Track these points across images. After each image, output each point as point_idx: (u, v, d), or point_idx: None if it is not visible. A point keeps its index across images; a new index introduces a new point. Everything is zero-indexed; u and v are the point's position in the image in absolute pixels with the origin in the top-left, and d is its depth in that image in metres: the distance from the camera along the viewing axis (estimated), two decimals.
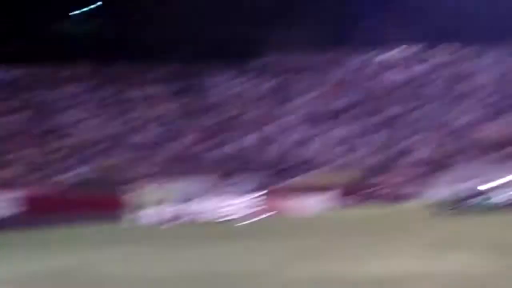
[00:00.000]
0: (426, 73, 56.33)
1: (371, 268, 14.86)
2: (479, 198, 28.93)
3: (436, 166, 45.66)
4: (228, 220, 31.47)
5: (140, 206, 38.54)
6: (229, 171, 47.27)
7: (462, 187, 30.30)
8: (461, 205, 28.60)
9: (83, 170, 45.87)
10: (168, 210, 33.29)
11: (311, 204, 35.79)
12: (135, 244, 23.78)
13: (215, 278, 14.86)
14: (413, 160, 49.01)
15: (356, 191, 43.58)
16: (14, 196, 41.71)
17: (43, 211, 41.35)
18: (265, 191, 36.82)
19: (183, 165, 47.24)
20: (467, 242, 18.85)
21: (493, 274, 13.49)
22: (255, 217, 31.59)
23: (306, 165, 48.49)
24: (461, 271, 14.02)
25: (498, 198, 29.01)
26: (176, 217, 32.27)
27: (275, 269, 15.63)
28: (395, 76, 55.50)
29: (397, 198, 39.18)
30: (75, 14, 58.63)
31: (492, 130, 50.31)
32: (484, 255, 15.86)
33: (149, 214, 33.56)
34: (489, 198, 28.88)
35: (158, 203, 34.22)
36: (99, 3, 58.91)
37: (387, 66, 56.74)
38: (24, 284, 15.12)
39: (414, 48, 60.25)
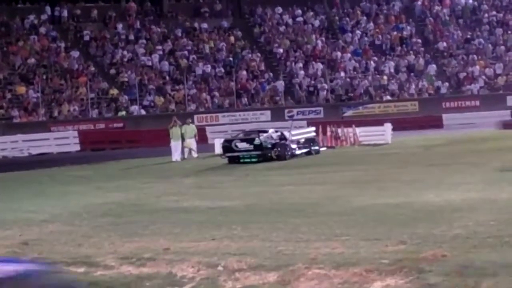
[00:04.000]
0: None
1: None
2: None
3: None
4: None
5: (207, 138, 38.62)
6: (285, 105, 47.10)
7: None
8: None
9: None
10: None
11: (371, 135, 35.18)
12: (199, 176, 23.68)
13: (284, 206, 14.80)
14: None
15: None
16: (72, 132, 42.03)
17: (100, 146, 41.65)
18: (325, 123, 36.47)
19: (239, 99, 47.00)
20: None
21: None
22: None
23: (363, 97, 48.16)
24: None
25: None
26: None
27: (340, 198, 15.53)
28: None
29: None
30: None
31: None
32: None
33: (219, 145, 33.23)
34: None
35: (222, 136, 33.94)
36: None
37: None
38: (96, 214, 15.19)
39: None
